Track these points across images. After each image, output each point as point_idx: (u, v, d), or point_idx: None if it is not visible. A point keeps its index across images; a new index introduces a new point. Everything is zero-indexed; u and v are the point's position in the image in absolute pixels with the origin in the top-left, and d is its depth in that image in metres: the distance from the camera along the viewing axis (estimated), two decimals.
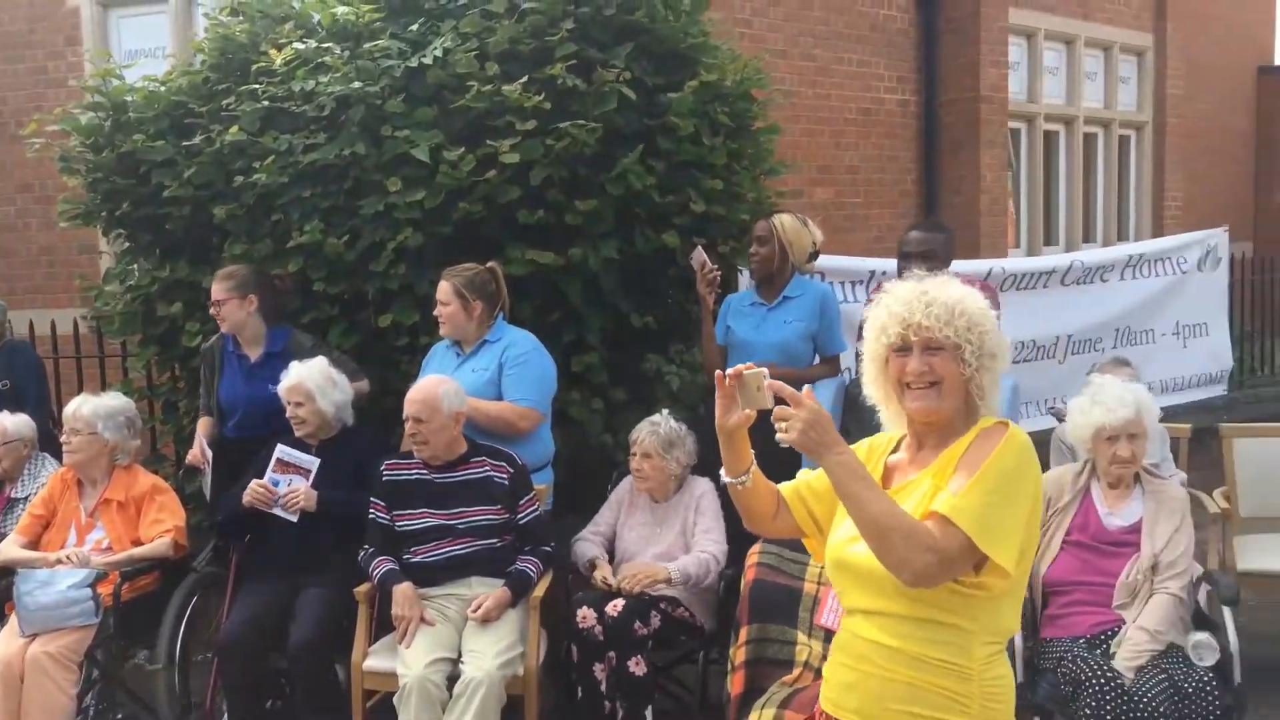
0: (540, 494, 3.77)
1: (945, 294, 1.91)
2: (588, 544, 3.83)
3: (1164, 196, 10.75)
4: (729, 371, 1.96)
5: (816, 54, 8.16)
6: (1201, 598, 3.40)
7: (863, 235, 8.43)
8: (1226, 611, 3.18)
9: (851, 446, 1.93)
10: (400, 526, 3.57)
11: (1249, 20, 13.08)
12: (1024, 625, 3.33)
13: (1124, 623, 3.12)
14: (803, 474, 2.14)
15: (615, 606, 3.47)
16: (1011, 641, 3.19)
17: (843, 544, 1.94)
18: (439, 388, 3.50)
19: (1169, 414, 6.22)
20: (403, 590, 3.43)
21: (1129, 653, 3.01)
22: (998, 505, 1.80)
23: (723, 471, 2.04)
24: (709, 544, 3.70)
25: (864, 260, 5.57)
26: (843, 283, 5.33)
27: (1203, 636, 3.06)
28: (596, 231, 4.25)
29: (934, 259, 4.08)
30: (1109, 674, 2.93)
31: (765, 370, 1.95)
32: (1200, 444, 4.89)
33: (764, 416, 1.92)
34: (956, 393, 1.91)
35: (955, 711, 1.81)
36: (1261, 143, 13.20)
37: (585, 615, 3.49)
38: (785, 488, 2.11)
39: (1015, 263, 6.30)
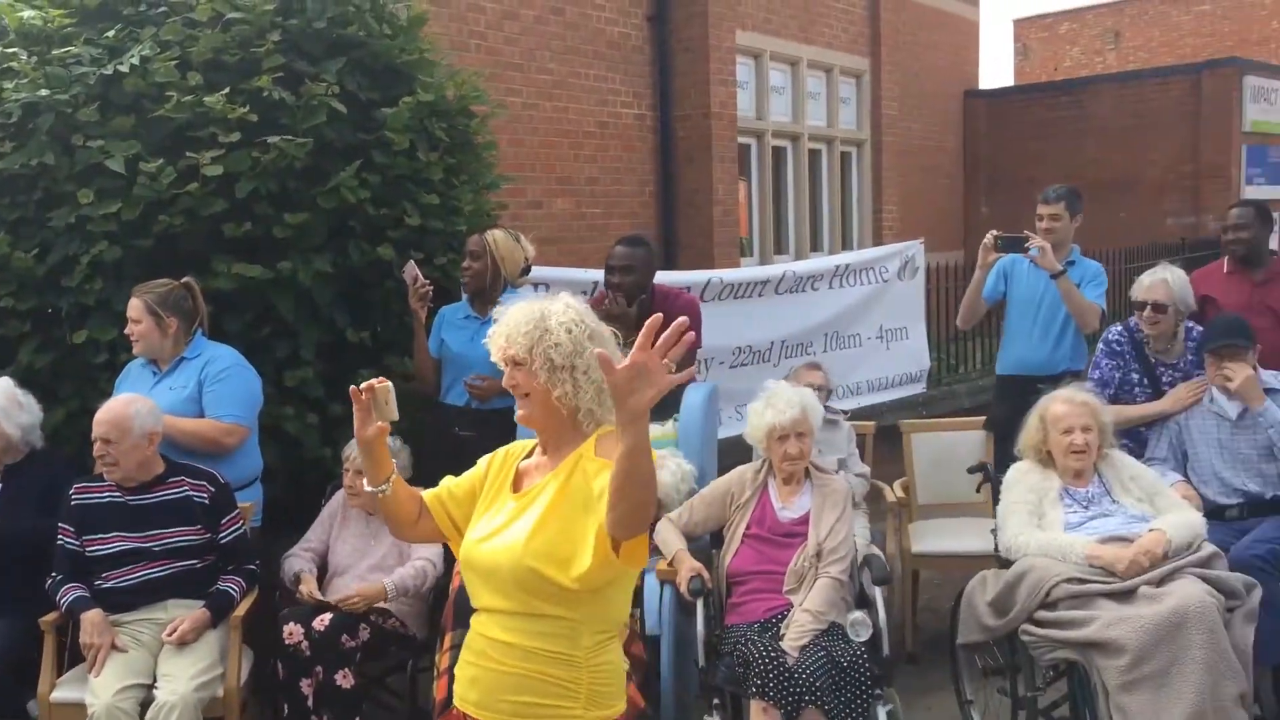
0: (246, 511, 3.74)
1: (525, 312, 2.08)
2: (296, 559, 3.83)
3: (882, 209, 11.62)
4: (362, 385, 2.07)
5: (554, 68, 8.37)
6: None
7: (603, 245, 8.64)
8: (878, 591, 3.55)
9: (488, 455, 2.09)
10: (91, 551, 3.46)
11: (956, 47, 14.34)
12: (711, 614, 3.61)
13: (793, 606, 3.43)
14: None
15: (322, 621, 3.50)
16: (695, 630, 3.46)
17: (473, 544, 2.09)
18: (129, 407, 3.42)
19: (875, 410, 6.81)
20: (90, 617, 3.33)
21: (795, 633, 3.32)
22: None
23: (365, 481, 2.14)
24: (426, 550, 3.78)
25: (586, 271, 5.77)
26: (570, 293, 5.49)
27: (859, 615, 3.41)
28: (308, 245, 4.25)
29: (633, 273, 4.34)
30: (774, 653, 3.22)
31: (389, 384, 2.08)
32: (884, 439, 5.37)
33: None
34: (540, 402, 2.07)
35: (564, 696, 1.99)
36: (969, 160, 14.51)
37: (292, 631, 3.50)
38: (428, 494, 2.23)
39: (732, 273, 6.67)
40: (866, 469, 4.86)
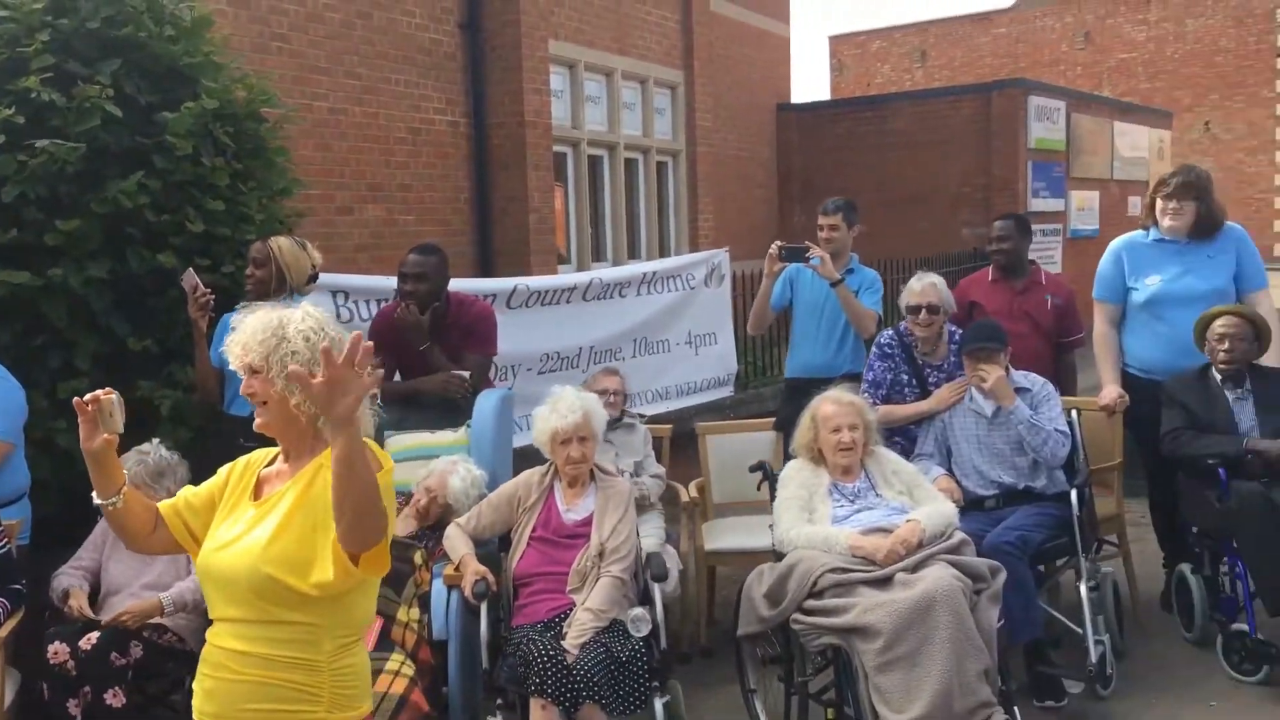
0: (11, 529, 3.58)
1: (263, 321, 2.11)
2: (65, 576, 3.69)
3: (698, 217, 11.93)
4: (87, 396, 2.05)
5: (362, 72, 8.27)
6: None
7: None
8: (657, 587, 3.68)
9: (228, 464, 2.10)
10: None
11: (769, 62, 14.86)
12: (500, 616, 3.67)
13: (575, 605, 3.53)
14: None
15: (89, 639, 3.39)
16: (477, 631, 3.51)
17: (210, 552, 2.09)
18: None
19: (685, 414, 7.00)
20: None
21: (575, 632, 3.42)
22: None
23: (94, 494, 2.12)
24: None
25: (389, 279, 5.73)
26: (367, 300, 5.46)
27: (639, 611, 3.54)
28: (81, 252, 4.10)
29: (426, 280, 4.37)
30: (554, 652, 3.31)
31: (116, 396, 2.06)
32: (689, 442, 5.54)
33: None
34: (278, 410, 2.10)
35: (306, 701, 2.02)
36: (782, 171, 15.05)
37: (57, 650, 3.38)
38: (164, 505, 2.22)
39: (539, 280, 6.75)
40: (662, 470, 5.02)
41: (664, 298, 7.42)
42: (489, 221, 9.45)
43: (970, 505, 4.44)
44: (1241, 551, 4.19)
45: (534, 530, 3.73)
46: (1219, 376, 4.54)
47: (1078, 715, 4.02)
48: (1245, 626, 4.19)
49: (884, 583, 3.58)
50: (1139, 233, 5.12)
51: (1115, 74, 27.22)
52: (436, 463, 4.08)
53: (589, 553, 3.63)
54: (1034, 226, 13.98)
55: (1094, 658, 4.10)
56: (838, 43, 30.82)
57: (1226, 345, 4.49)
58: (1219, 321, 4.54)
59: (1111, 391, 4.97)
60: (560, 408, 3.73)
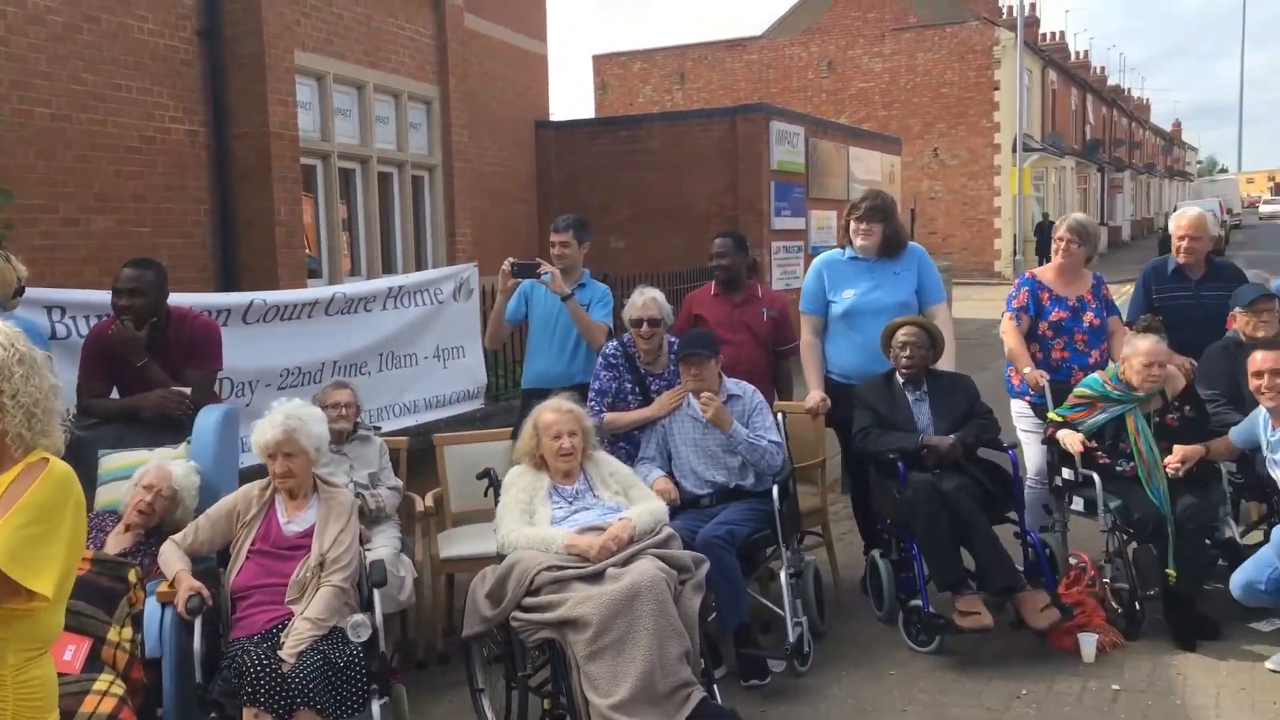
0: None
1: None
2: None
3: (455, 232, 12.00)
4: None
5: (88, 78, 7.90)
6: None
7: None
8: (377, 594, 3.79)
9: None
10: None
11: (527, 79, 15.12)
12: (220, 632, 3.67)
13: (294, 616, 3.59)
14: None
15: None
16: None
17: None
18: None
19: (433, 427, 7.07)
20: None
21: (293, 641, 3.48)
22: (35, 538, 2.03)
23: None
24: None
25: (105, 294, 5.55)
26: (86, 316, 5.26)
27: (359, 617, 3.64)
28: None
29: (142, 295, 4.30)
30: (268, 661, 3.36)
31: None
32: (426, 455, 5.63)
33: None
34: None
35: None
36: (541, 187, 15.34)
37: None
38: None
39: (277, 295, 6.66)
40: (399, 482, 5.11)
41: (411, 312, 7.47)
42: (233, 235, 9.19)
43: (688, 504, 4.78)
44: (915, 535, 4.71)
45: (253, 543, 3.76)
46: (901, 380, 5.08)
47: (778, 691, 4.40)
48: (920, 602, 4.71)
49: (596, 577, 3.83)
50: (837, 251, 5.64)
51: (856, 101, 29.24)
52: (146, 464, 4.03)
53: (309, 563, 3.70)
54: (778, 243, 14.95)
55: (792, 638, 4.51)
56: (601, 62, 31.60)
57: (907, 352, 5.03)
58: (901, 331, 5.08)
59: (815, 395, 5.44)
60: (266, 423, 3.79)
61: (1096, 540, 5.03)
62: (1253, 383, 4.63)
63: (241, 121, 9.09)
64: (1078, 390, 5.05)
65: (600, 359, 5.19)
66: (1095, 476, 4.84)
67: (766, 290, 6.21)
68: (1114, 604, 4.77)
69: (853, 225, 5.51)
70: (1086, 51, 52.49)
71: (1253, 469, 4.95)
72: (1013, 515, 4.94)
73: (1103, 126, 45.35)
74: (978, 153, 28.61)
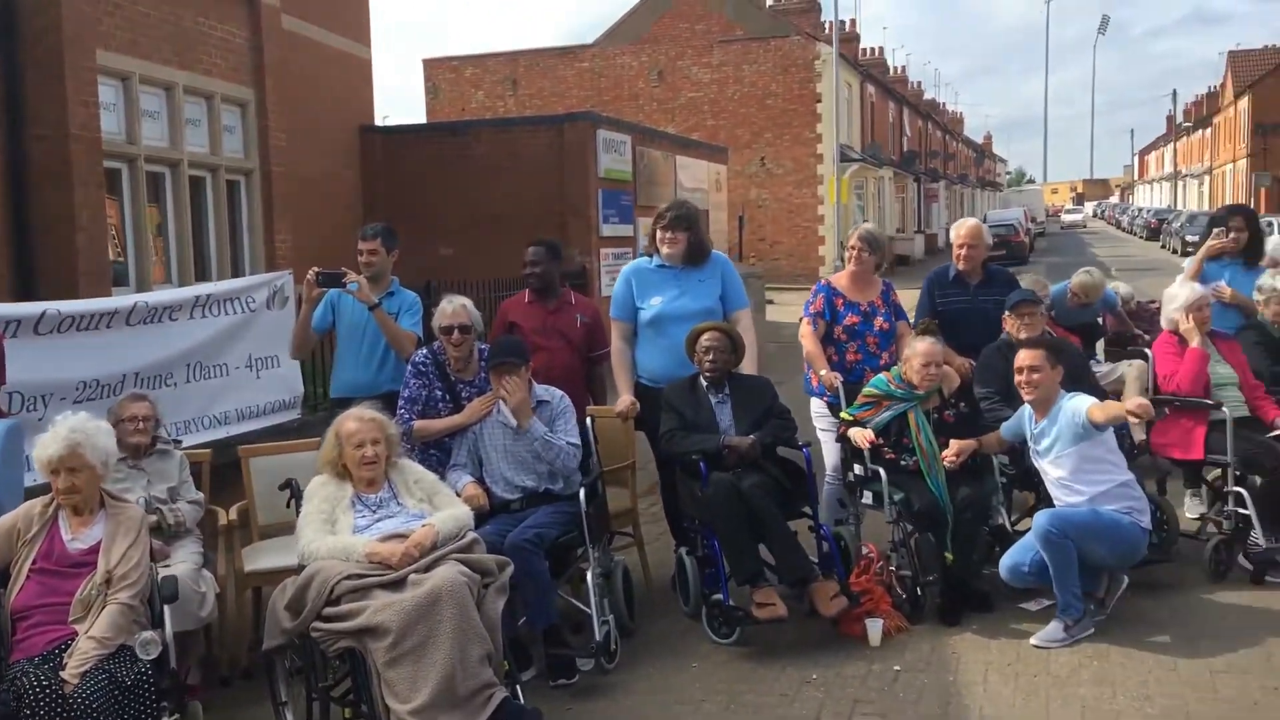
0: None
1: None
2: None
3: (274, 239, 11.69)
4: None
5: None
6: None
7: None
8: (167, 609, 3.72)
9: None
10: None
11: (350, 83, 14.86)
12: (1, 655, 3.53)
13: (78, 635, 3.49)
14: None
15: None
16: None
17: None
18: None
19: (248, 438, 6.90)
20: None
21: (76, 661, 3.39)
22: None
23: None
24: None
25: None
26: None
27: (148, 634, 3.56)
28: None
29: None
30: (49, 682, 3.27)
31: None
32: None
33: None
34: None
35: None
36: (367, 193, 15.10)
37: None
38: None
39: (72, 304, 6.38)
40: (200, 496, 5.00)
41: (221, 321, 7.27)
42: (29, 240, 8.74)
43: (498, 509, 4.86)
44: (716, 532, 4.91)
45: (34, 562, 3.63)
46: (705, 383, 5.28)
47: (586, 689, 4.52)
48: (721, 596, 4.91)
49: (398, 584, 3.86)
50: (645, 259, 5.82)
51: (685, 110, 29.83)
52: None
53: (94, 581, 3.60)
54: (606, 250, 15.13)
55: (599, 637, 4.64)
56: (432, 66, 31.25)
57: (710, 357, 5.24)
58: (704, 336, 5.28)
59: (625, 400, 5.60)
60: (49, 437, 3.67)
61: (887, 531, 5.35)
62: (1017, 379, 5.03)
63: (40, 123, 8.65)
64: (865, 390, 5.37)
65: (410, 367, 5.20)
66: (881, 471, 5.16)
67: (579, 297, 6.34)
68: (899, 590, 5.08)
69: (659, 234, 5.69)
70: (904, 67, 55.08)
71: (1023, 461, 5.37)
72: (808, 510, 5.20)
73: (919, 138, 47.59)
74: (802, 162, 29.61)
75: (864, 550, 5.29)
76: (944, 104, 69.14)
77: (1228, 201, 53.70)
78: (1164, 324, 5.91)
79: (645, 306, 5.67)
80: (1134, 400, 4.54)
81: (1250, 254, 6.56)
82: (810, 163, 29.57)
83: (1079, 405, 4.84)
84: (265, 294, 7.71)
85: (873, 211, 34.14)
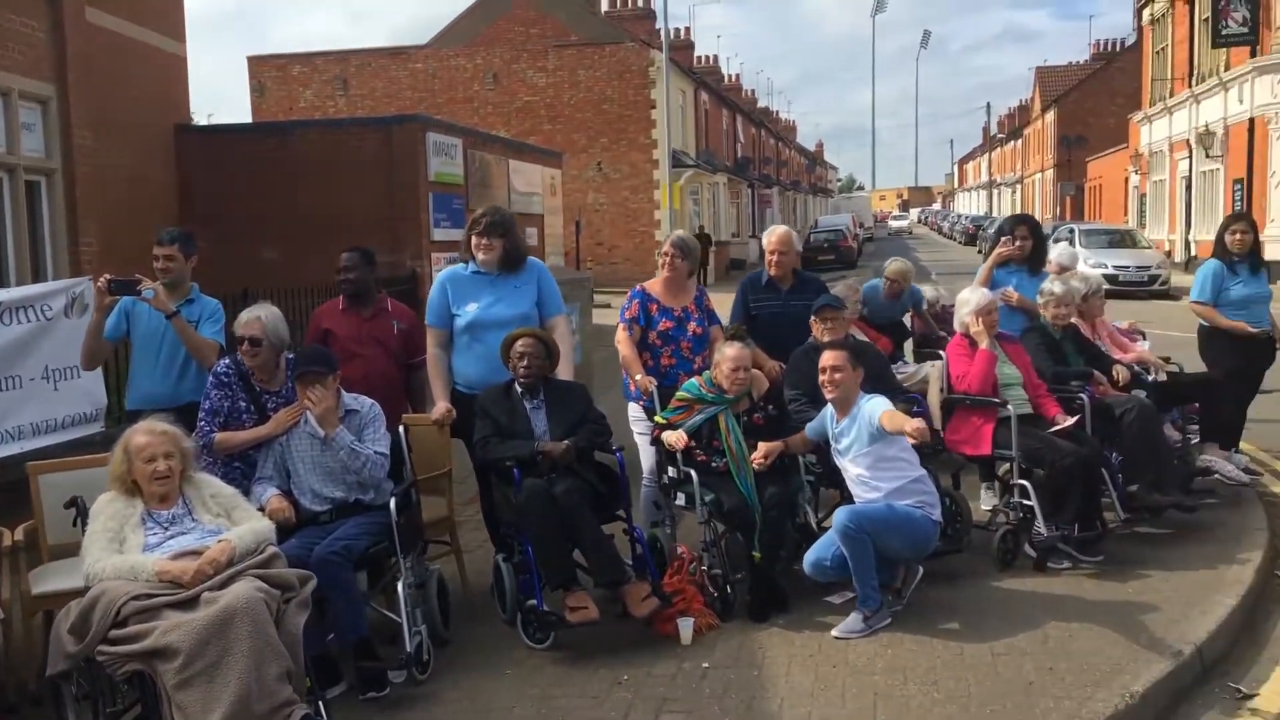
0: None
1: None
2: None
3: (79, 243, 11.08)
4: None
5: None
6: None
7: None
8: None
9: None
10: None
11: (164, 80, 14.20)
12: None
13: None
14: None
15: None
16: None
17: None
18: None
19: (44, 453, 6.52)
20: None
21: None
22: None
23: None
24: None
25: None
26: None
27: None
28: None
29: None
30: None
31: None
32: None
33: None
34: None
35: None
36: (184, 195, 14.45)
37: None
38: None
39: None
40: None
41: (13, 330, 6.86)
42: None
43: (306, 521, 4.75)
44: (529, 538, 4.93)
45: None
46: (520, 389, 5.29)
47: (397, 701, 4.46)
48: (535, 601, 4.93)
49: (190, 604, 3.73)
50: (460, 266, 5.79)
51: (522, 114, 29.77)
52: None
53: None
54: (438, 254, 14.94)
55: (410, 647, 4.58)
56: (257, 64, 30.21)
57: (525, 362, 5.25)
58: (519, 342, 5.29)
59: (441, 407, 5.56)
60: None
61: (700, 532, 5.47)
62: (820, 379, 5.23)
63: None
64: (679, 394, 5.49)
65: (211, 377, 5.03)
66: (693, 473, 5.28)
67: (396, 304, 6.26)
68: (711, 589, 5.21)
69: (474, 240, 5.67)
70: (738, 75, 56.48)
71: (830, 460, 5.58)
72: (623, 514, 5.27)
73: (753, 145, 48.83)
74: (638, 167, 29.96)
75: (677, 551, 5.40)
76: (777, 112, 71.19)
77: (1038, 209, 57.22)
78: (956, 327, 6.25)
79: (461, 313, 5.64)
80: (913, 424, 4.80)
81: (1035, 261, 7.02)
82: (647, 168, 29.95)
83: (874, 408, 5.07)
84: (63, 301, 7.31)
85: (708, 217, 34.82)
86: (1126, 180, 38.64)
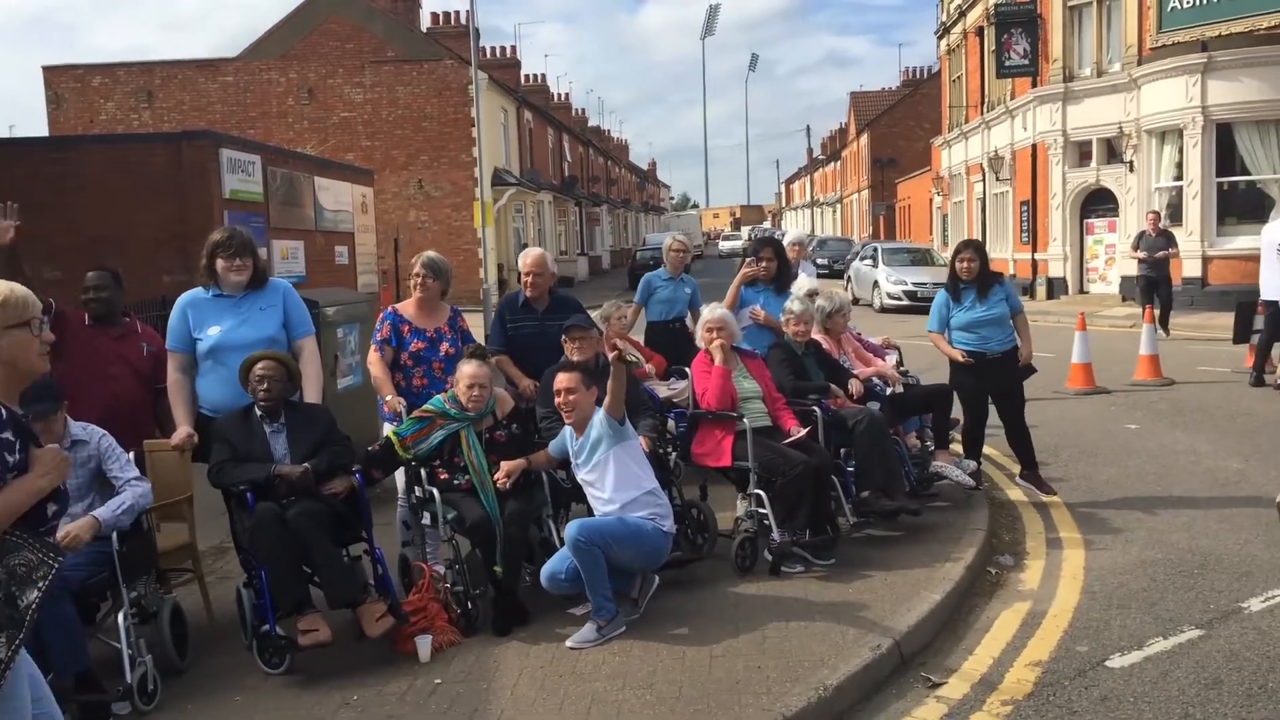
0: None
1: None
2: None
3: None
4: None
5: None
6: None
7: None
8: None
9: None
10: None
11: None
12: None
13: None
14: None
15: None
16: None
17: None
18: None
19: None
20: None
21: None
22: None
23: None
24: None
25: None
26: None
27: None
28: None
29: None
30: None
31: None
32: None
33: None
34: None
35: None
36: None
37: None
38: None
39: None
40: None
41: None
42: None
43: None
44: (261, 561, 4.91)
45: None
46: (259, 412, 5.27)
47: None
48: (269, 626, 4.91)
49: None
50: (200, 289, 5.71)
51: (339, 130, 29.24)
52: None
53: None
54: None
55: (131, 678, 4.50)
56: (53, 74, 28.73)
57: (265, 385, 5.23)
58: (258, 365, 5.27)
59: (182, 431, 5.48)
60: None
61: (444, 549, 5.55)
62: (555, 400, 5.41)
63: None
64: (424, 407, 5.57)
65: None
66: (435, 492, 5.36)
67: (145, 326, 6.13)
68: (454, 606, 5.30)
69: (223, 263, 5.62)
70: (568, 94, 56.85)
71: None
72: (365, 534, 5.31)
73: (580, 164, 49.25)
74: (460, 185, 29.83)
75: (420, 569, 5.47)
76: (609, 131, 72.00)
77: (855, 228, 59.64)
78: (699, 344, 6.55)
79: (203, 337, 5.58)
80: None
81: (780, 281, 7.40)
82: (469, 186, 29.84)
83: (600, 414, 5.29)
84: None
85: (532, 235, 34.93)
86: (931, 201, 40.77)
